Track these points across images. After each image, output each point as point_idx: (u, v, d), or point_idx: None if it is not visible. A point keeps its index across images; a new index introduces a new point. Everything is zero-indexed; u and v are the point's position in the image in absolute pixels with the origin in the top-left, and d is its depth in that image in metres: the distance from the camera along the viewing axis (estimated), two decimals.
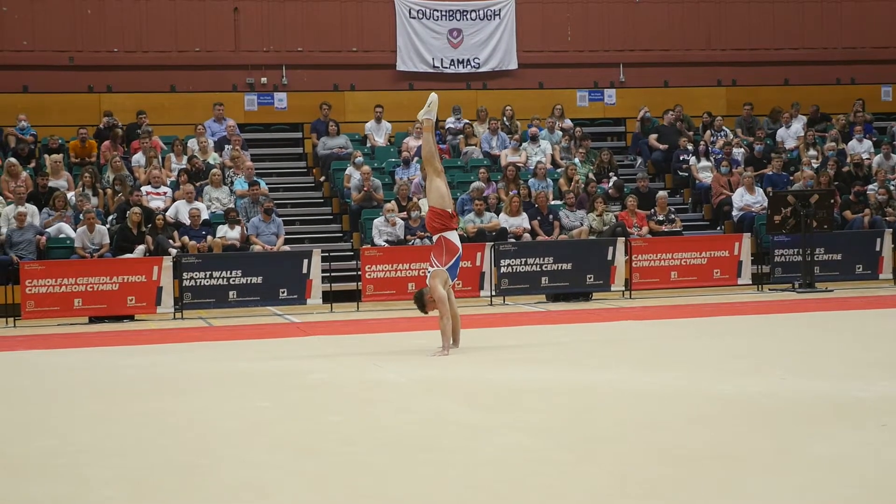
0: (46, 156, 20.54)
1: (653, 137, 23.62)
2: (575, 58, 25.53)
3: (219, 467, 6.28)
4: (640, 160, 23.79)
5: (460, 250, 11.42)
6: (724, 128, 24.05)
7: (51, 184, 19.24)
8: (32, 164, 20.53)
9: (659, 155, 23.39)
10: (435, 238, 11.48)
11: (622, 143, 25.08)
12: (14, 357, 12.50)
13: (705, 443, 6.59)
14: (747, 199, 20.69)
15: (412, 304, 17.28)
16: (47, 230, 18.01)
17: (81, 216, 17.95)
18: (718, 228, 21.27)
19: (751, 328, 13.52)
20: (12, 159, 19.84)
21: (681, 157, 22.88)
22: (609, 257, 18.08)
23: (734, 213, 20.79)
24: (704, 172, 22.41)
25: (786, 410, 7.61)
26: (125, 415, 8.16)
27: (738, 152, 22.79)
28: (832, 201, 18.99)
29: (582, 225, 19.41)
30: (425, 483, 5.80)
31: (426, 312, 11.48)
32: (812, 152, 22.88)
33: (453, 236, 11.42)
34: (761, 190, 20.90)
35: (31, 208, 18.11)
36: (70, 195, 19.00)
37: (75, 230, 17.89)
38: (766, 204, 19.75)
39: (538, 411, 7.78)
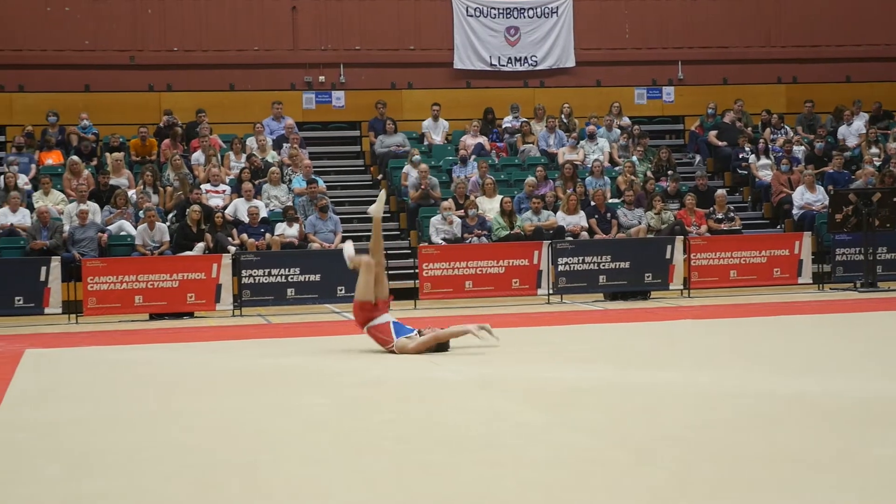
0: (108, 154, 20.78)
1: (712, 134, 23.45)
2: (633, 55, 25.41)
3: (276, 465, 6.30)
4: (698, 158, 23.63)
5: (390, 321, 11.22)
6: (784, 125, 23.81)
7: (112, 182, 19.47)
8: (94, 163, 20.79)
9: (720, 152, 23.21)
10: (365, 331, 11.28)
11: (680, 141, 24.91)
12: (76, 353, 12.64)
13: (765, 443, 6.52)
14: (808, 197, 20.47)
15: (469, 302, 17.37)
16: (108, 228, 18.21)
17: (142, 214, 18.13)
18: (778, 227, 21.08)
19: (811, 328, 13.37)
20: (75, 157, 20.09)
21: (740, 156, 22.69)
22: (667, 256, 17.97)
23: (794, 211, 20.59)
24: (764, 170, 22.21)
25: (847, 411, 7.51)
26: (184, 411, 8.22)
27: (799, 150, 22.56)
28: (895, 199, 18.73)
29: (640, 223, 19.30)
30: (481, 482, 5.78)
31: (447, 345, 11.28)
32: (874, 150, 22.60)
33: (380, 320, 11.21)
34: (822, 188, 20.68)
35: (92, 206, 18.32)
36: (131, 193, 19.20)
37: (136, 228, 18.07)
38: (827, 202, 19.54)
39: (595, 410, 7.74)
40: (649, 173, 21.42)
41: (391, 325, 11.26)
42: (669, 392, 8.49)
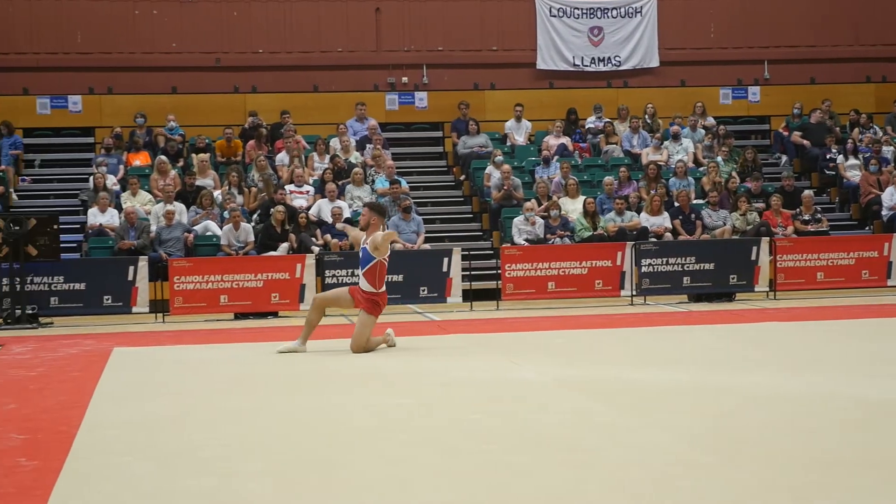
0: (194, 155, 21.04)
1: (797, 134, 23.13)
2: (718, 55, 25.15)
3: (360, 463, 6.34)
4: (784, 158, 23.33)
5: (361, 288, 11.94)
6: (872, 125, 23.41)
7: (198, 182, 19.70)
8: (180, 163, 21.05)
9: (807, 153, 22.90)
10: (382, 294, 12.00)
11: (766, 142, 24.61)
12: (163, 351, 12.82)
13: (854, 449, 6.42)
14: None
15: (552, 303, 17.31)
16: (194, 228, 18.44)
17: (227, 214, 18.34)
18: (867, 228, 20.73)
19: None
20: (163, 157, 20.39)
21: (827, 156, 22.37)
22: (753, 257, 17.76)
23: (884, 212, 20.23)
24: (852, 171, 21.85)
25: None
26: (269, 410, 8.30)
27: (888, 150, 22.18)
28: None
29: (725, 224, 19.09)
30: (566, 483, 5.77)
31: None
32: None
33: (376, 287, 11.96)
34: None
35: (179, 206, 18.57)
36: (216, 193, 19.42)
37: (221, 228, 18.28)
38: None
39: (680, 413, 7.68)
40: (734, 173, 21.16)
41: (366, 280, 11.88)
42: (756, 395, 8.39)
